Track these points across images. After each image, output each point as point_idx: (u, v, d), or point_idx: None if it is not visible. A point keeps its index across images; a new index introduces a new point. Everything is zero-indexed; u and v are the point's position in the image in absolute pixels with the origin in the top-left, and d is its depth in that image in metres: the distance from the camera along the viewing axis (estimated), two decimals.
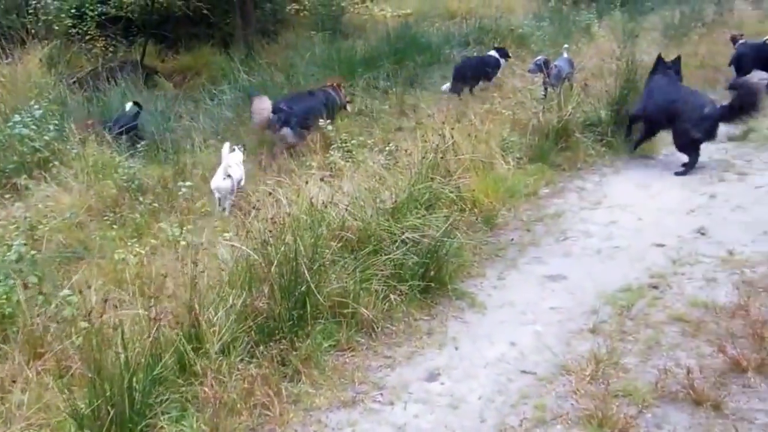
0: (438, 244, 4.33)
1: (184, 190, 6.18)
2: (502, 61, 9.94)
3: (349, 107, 8.59)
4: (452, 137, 5.87)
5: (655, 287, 4.29)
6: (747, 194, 5.67)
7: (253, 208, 4.41)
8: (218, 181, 6.18)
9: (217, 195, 6.27)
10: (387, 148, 6.48)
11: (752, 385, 3.19)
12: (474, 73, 9.50)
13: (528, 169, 6.46)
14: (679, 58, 7.42)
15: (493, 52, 10.07)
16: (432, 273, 4.29)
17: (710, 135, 6.38)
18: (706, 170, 6.32)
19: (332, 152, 6.69)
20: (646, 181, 6.26)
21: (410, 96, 9.79)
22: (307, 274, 3.76)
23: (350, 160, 6.46)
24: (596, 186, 6.24)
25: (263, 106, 7.43)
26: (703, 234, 5.02)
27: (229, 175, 6.20)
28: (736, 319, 3.74)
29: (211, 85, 10.93)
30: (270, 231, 3.96)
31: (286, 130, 7.46)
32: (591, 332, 3.82)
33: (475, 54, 11.00)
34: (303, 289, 3.77)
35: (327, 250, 4.16)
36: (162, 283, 3.98)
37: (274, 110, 7.41)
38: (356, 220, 4.57)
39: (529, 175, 6.32)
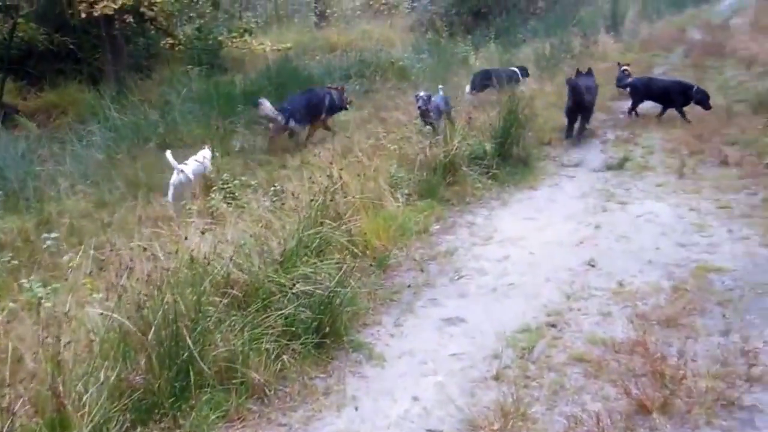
0: (331, 294, 4.10)
1: (48, 242, 5.62)
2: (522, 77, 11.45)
3: (349, 107, 9.89)
4: (340, 177, 5.68)
5: (553, 326, 4.25)
6: (629, 223, 5.83)
7: (125, 267, 3.99)
8: (173, 177, 6.79)
9: (171, 189, 6.80)
10: (272, 189, 6.22)
11: (658, 426, 3.15)
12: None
13: (418, 206, 6.37)
14: (590, 69, 9.58)
15: (515, 68, 11.54)
16: (326, 326, 4.03)
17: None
18: (589, 200, 6.48)
19: (214, 195, 6.34)
20: (533, 213, 6.32)
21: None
22: (188, 339, 3.41)
23: (233, 203, 6.14)
24: (486, 220, 6.24)
25: (266, 106, 8.87)
26: (593, 266, 5.08)
27: (182, 171, 6.79)
28: (636, 355, 3.73)
29: (79, 124, 10.26)
30: (145, 294, 3.58)
31: (292, 124, 9.00)
32: (494, 379, 3.69)
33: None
34: (185, 356, 3.41)
35: (212, 308, 3.83)
36: (19, 359, 3.49)
37: (280, 110, 8.90)
38: (243, 272, 4.27)
39: (420, 212, 6.23)
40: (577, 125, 8.62)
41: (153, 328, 3.43)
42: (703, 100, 8.92)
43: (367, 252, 5.30)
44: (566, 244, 5.54)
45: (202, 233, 4.77)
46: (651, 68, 13.53)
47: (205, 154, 7.35)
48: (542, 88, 11.35)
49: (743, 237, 5.37)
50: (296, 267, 4.37)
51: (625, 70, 10.96)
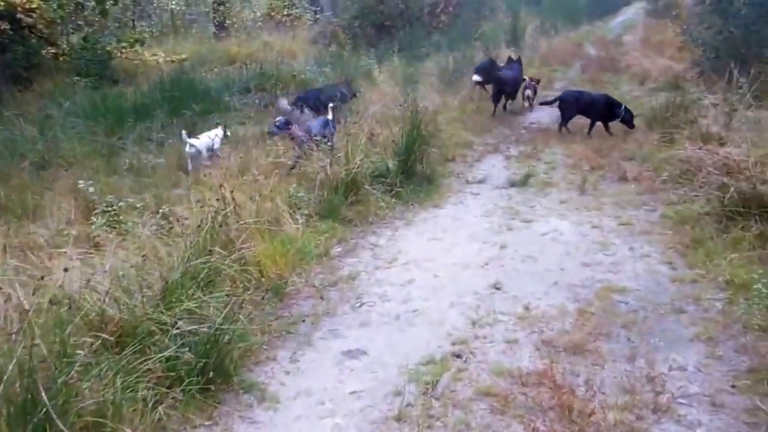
0: (218, 332, 3.74)
1: None
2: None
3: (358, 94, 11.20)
4: (233, 199, 5.33)
5: (458, 356, 4.06)
6: (534, 243, 5.76)
7: None
8: (186, 148, 7.92)
9: (188, 159, 7.94)
10: (160, 212, 5.78)
11: None
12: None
13: (319, 227, 6.10)
14: (519, 58, 11.91)
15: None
16: (213, 367, 3.67)
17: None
18: (494, 218, 6.39)
19: (95, 219, 5.83)
20: (438, 233, 6.17)
21: None
22: (44, 395, 2.97)
23: (116, 228, 5.66)
24: (390, 241, 6.03)
25: (282, 102, 10.13)
26: (498, 289, 4.95)
27: (192, 145, 7.91)
28: (543, 387, 3.59)
29: None
30: None
31: (306, 112, 9.69)
32: (396, 420, 3.45)
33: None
34: (42, 413, 2.98)
35: (81, 352, 3.40)
36: None
37: (294, 103, 9.99)
38: (119, 309, 3.85)
39: (320, 234, 5.96)
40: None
41: (2, 383, 2.97)
42: (629, 120, 9.12)
43: (263, 280, 4.97)
44: (471, 265, 5.40)
45: (77, 264, 4.30)
46: (551, 83, 13.84)
47: (217, 132, 8.44)
48: (445, 103, 11.33)
49: (644, 255, 5.40)
50: (180, 302, 3.99)
51: (533, 82, 11.13)
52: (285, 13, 23.89)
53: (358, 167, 6.78)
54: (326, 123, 8.12)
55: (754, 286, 4.34)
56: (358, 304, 4.84)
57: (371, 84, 13.30)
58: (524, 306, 4.65)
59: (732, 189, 5.55)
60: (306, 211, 6.23)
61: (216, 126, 8.74)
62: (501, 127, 10.10)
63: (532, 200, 6.83)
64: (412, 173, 7.31)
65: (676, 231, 5.76)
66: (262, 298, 4.69)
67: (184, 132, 8.13)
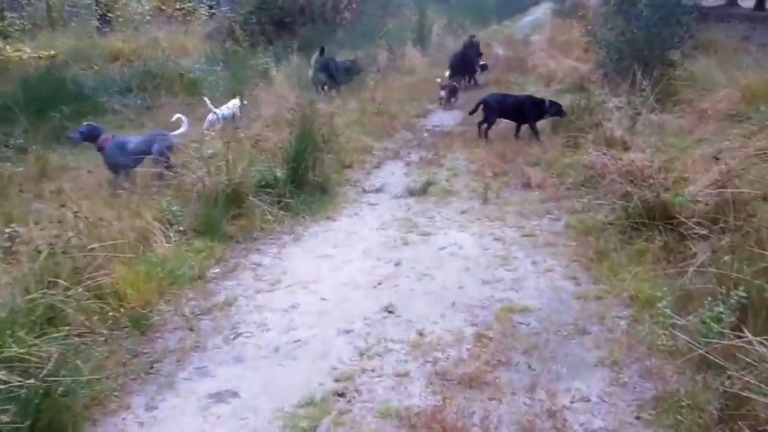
0: (50, 382, 3.25)
1: None
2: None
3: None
4: (86, 216, 4.80)
5: (342, 395, 3.71)
6: (432, 258, 5.50)
7: None
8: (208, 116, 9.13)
9: (206, 125, 8.92)
10: (6, 233, 5.16)
11: None
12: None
13: (194, 245, 5.63)
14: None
15: None
16: (44, 426, 3.18)
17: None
18: (390, 232, 6.10)
19: None
20: (329, 249, 5.82)
21: (56, 155, 8.43)
22: None
23: None
24: (275, 260, 5.62)
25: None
26: (391, 312, 4.63)
27: (215, 112, 9.17)
28: (433, 431, 3.29)
29: None
30: None
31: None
32: None
33: None
34: None
35: None
36: None
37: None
38: None
39: (196, 253, 5.50)
40: None
41: None
42: (558, 110, 9.03)
43: (123, 311, 4.47)
44: (363, 286, 5.08)
45: None
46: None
47: (235, 102, 9.74)
48: (345, 105, 11.04)
49: (547, 269, 5.22)
50: (8, 345, 3.46)
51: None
52: (177, 6, 23.06)
53: (241, 177, 6.35)
54: (165, 139, 7.21)
55: (659, 304, 4.21)
56: (232, 336, 4.42)
57: (267, 84, 12.85)
58: (418, 331, 4.36)
59: (636, 198, 5.46)
60: (181, 228, 5.75)
61: (234, 97, 10.08)
62: (403, 131, 9.88)
63: (432, 210, 6.59)
64: (304, 182, 6.94)
65: (581, 242, 5.63)
66: (122, 325, 4.20)
67: (206, 99, 9.40)
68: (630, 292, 4.68)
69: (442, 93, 11.98)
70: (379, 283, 5.10)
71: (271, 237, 6.11)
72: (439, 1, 33.50)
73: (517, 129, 9.19)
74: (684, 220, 5.23)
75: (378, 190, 7.26)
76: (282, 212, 6.49)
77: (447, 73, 13.06)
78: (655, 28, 9.97)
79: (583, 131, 8.15)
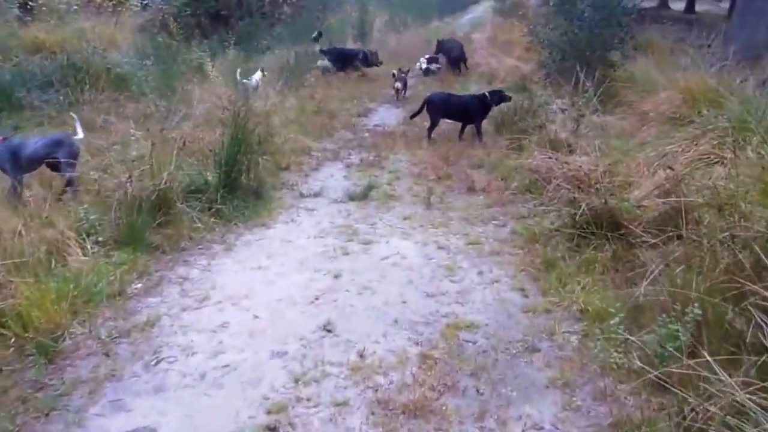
0: None
1: None
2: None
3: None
4: None
5: (274, 429, 3.36)
6: (373, 269, 5.16)
7: None
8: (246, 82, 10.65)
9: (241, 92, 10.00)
10: None
11: None
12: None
13: (115, 258, 5.16)
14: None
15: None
16: None
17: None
18: (329, 240, 5.75)
19: None
20: (264, 260, 5.42)
21: None
22: None
23: None
24: (204, 273, 5.20)
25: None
26: (329, 331, 4.29)
27: (244, 83, 10.62)
28: None
29: None
30: None
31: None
32: None
33: None
34: None
35: None
36: None
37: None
38: None
39: (116, 266, 5.03)
40: None
41: None
42: (503, 97, 8.81)
43: (28, 336, 4.00)
44: (299, 301, 4.71)
45: None
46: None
47: (257, 75, 11.32)
48: (283, 103, 10.59)
49: (494, 280, 4.96)
50: None
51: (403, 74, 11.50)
52: None
53: (168, 182, 5.89)
54: (54, 143, 6.32)
55: (611, 321, 3.97)
56: (153, 361, 4.00)
57: (202, 80, 12.30)
58: (358, 352, 4.03)
59: (583, 205, 5.24)
60: (100, 238, 5.28)
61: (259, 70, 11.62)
62: (343, 131, 9.51)
63: (373, 216, 6.26)
64: (237, 186, 6.50)
65: (527, 250, 5.39)
66: (22, 364, 3.74)
67: (239, 71, 10.86)
68: (579, 304, 4.46)
69: (398, 85, 11.96)
70: (317, 298, 4.75)
71: (200, 247, 5.67)
72: None
73: (462, 130, 8.93)
74: (632, 228, 5.05)
75: (316, 195, 6.88)
76: (213, 219, 6.06)
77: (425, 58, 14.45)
78: (597, 29, 9.87)
79: (526, 133, 7.95)
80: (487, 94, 8.81)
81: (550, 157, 6.37)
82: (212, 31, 17.43)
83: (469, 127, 8.86)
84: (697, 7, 31.00)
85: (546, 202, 6.00)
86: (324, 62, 13.98)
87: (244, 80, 10.79)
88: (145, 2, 22.25)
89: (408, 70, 12.36)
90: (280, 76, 12.41)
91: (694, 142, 6.08)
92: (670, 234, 4.93)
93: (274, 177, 7.31)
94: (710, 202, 5.01)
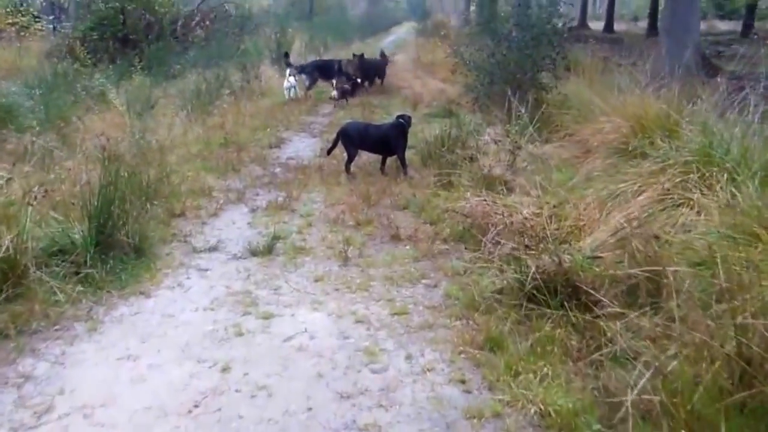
0: None
1: None
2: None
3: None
4: None
5: None
6: (273, 357, 3.94)
7: None
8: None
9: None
10: None
11: None
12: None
13: None
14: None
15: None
16: None
17: None
18: (221, 314, 4.49)
19: None
20: (135, 345, 4.13)
21: None
22: None
23: None
24: (54, 368, 3.87)
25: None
26: None
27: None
28: None
29: None
30: None
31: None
32: None
33: None
34: None
35: None
36: None
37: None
38: None
39: None
40: None
41: None
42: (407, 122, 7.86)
43: None
44: (173, 410, 3.45)
45: None
46: (316, 107, 12.36)
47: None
48: (186, 134, 9.29)
49: (426, 367, 3.81)
50: None
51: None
52: (9, 21, 20.25)
53: (18, 242, 4.55)
54: None
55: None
56: None
57: (105, 108, 10.88)
58: None
59: (532, 267, 4.17)
60: None
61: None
62: (252, 165, 8.25)
63: (278, 278, 5.03)
64: (113, 243, 5.19)
65: (466, 322, 4.27)
66: None
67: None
68: (538, 405, 3.35)
69: (334, 93, 12.57)
70: (196, 406, 3.50)
71: (57, 327, 4.34)
72: (301, 19, 32.17)
73: (383, 162, 7.83)
74: (591, 291, 4.02)
75: (212, 249, 5.60)
76: (79, 287, 4.72)
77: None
78: (527, 50, 8.95)
79: (456, 166, 6.91)
80: (402, 119, 7.75)
81: (485, 200, 5.32)
82: (122, 56, 15.92)
83: (392, 159, 7.78)
84: (615, 27, 31.13)
85: (485, 255, 4.91)
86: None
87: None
88: (51, 26, 20.51)
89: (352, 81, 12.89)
90: (186, 103, 11.11)
91: (652, 179, 5.12)
92: (637, 298, 3.98)
93: (164, 227, 6.00)
94: (688, 259, 4.06)
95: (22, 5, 20.46)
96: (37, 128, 8.90)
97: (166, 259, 5.42)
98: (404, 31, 39.49)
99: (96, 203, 5.15)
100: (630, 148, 5.87)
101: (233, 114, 10.82)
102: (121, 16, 16.70)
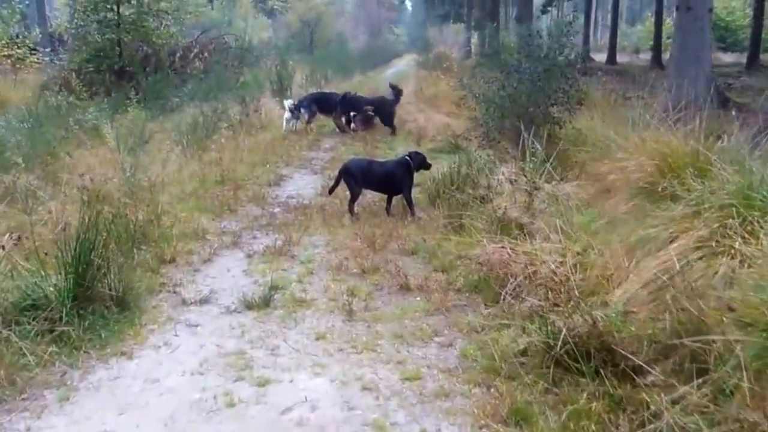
0: None
1: None
2: None
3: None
4: None
5: None
6: None
7: None
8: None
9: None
10: None
11: None
12: None
13: None
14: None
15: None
16: None
17: None
18: (209, 380, 4.00)
19: None
20: (112, 418, 3.65)
21: None
22: None
23: None
24: None
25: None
26: None
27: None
28: None
29: None
30: None
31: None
32: None
33: None
34: None
35: None
36: None
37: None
38: None
39: None
40: None
41: None
42: (424, 164, 7.46)
43: None
44: None
45: None
46: (317, 142, 11.98)
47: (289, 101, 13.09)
48: (180, 170, 8.88)
49: None
50: None
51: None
52: (5, 53, 20.02)
53: None
54: None
55: None
56: None
57: (99, 144, 10.50)
58: None
59: (563, 329, 3.71)
60: None
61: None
62: (249, 205, 7.81)
63: (275, 335, 4.55)
64: (93, 296, 4.73)
65: (486, 389, 3.80)
66: None
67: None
68: None
69: (355, 124, 12.84)
70: None
71: (24, 396, 3.86)
72: (302, 51, 32.08)
73: (388, 202, 7.39)
74: (630, 356, 3.56)
75: (204, 301, 5.13)
76: (53, 348, 4.25)
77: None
78: (540, 82, 8.57)
79: (467, 207, 6.47)
80: (409, 157, 7.34)
81: (503, 246, 4.87)
82: (118, 89, 15.61)
83: (398, 198, 7.35)
84: (617, 59, 30.97)
85: (504, 309, 4.45)
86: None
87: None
88: (45, 59, 20.25)
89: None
90: (182, 138, 10.72)
91: (685, 224, 4.66)
92: (679, 362, 3.52)
93: (152, 275, 5.54)
94: (735, 317, 3.60)
95: (17, 37, 20.21)
96: (23, 165, 8.53)
97: (152, 312, 4.95)
98: (405, 63, 39.41)
99: (74, 251, 4.70)
100: (658, 189, 5.42)
101: (231, 149, 10.41)
102: (118, 48, 16.41)
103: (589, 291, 4.43)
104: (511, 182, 6.01)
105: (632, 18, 58.28)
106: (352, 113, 13.16)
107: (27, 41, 20.48)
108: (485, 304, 4.78)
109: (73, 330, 4.40)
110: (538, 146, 6.62)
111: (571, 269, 4.51)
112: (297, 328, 4.64)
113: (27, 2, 27.30)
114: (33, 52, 20.82)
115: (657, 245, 4.63)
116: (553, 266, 4.40)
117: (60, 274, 4.67)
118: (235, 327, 4.69)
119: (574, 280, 4.37)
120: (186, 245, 6.27)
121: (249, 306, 4.97)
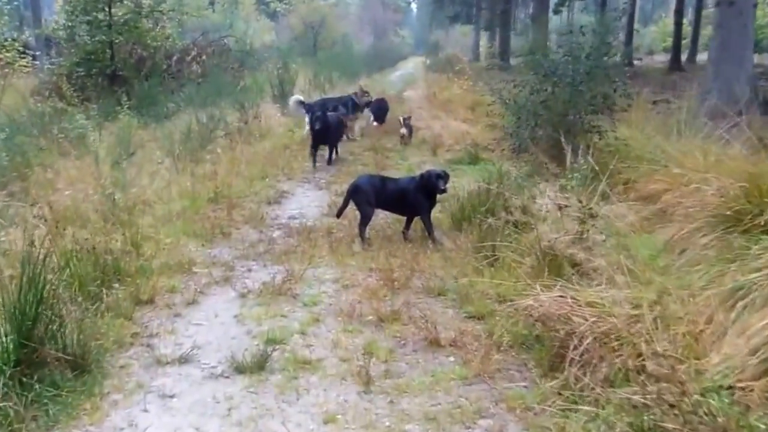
0: None
1: None
2: None
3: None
4: None
5: None
6: None
7: None
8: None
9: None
10: None
11: None
12: None
13: None
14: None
15: None
16: None
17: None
18: None
19: None
20: None
21: None
22: None
23: None
24: None
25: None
26: None
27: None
28: None
29: None
30: None
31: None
32: None
33: None
34: None
35: None
36: None
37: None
38: None
39: None
40: None
41: None
42: (438, 186, 6.20)
43: None
44: None
45: None
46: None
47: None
48: (169, 186, 7.90)
49: None
50: None
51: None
52: None
53: None
54: None
55: None
56: None
57: (85, 152, 9.55)
58: None
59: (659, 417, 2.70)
60: None
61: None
62: (246, 227, 6.81)
63: (272, 413, 3.53)
64: (41, 360, 3.75)
65: None
66: None
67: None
68: None
69: (403, 131, 11.35)
70: None
71: None
72: (305, 54, 31.11)
73: (407, 225, 6.38)
74: None
75: (183, 360, 4.11)
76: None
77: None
78: (581, 86, 7.53)
79: (499, 233, 5.46)
80: (428, 174, 6.30)
81: (562, 296, 3.85)
82: (110, 93, 14.67)
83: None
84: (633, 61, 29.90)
85: (571, 381, 3.43)
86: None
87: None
88: (35, 63, 19.33)
89: (410, 117, 11.84)
90: (173, 148, 9.75)
91: None
92: None
93: (124, 322, 4.53)
94: None
95: (6, 40, 19.28)
96: None
97: (118, 375, 3.95)
98: (411, 65, 38.47)
99: (19, 302, 3.71)
100: (747, 218, 4.40)
101: (227, 160, 9.44)
102: (109, 51, 15.45)
103: (676, 356, 3.42)
104: (560, 207, 4.98)
105: (644, 19, 57.13)
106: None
107: (16, 44, 19.53)
108: (539, 370, 3.76)
109: (13, 405, 3.40)
110: (582, 159, 5.62)
111: (650, 327, 3.50)
112: (299, 404, 3.61)
113: (16, 3, 26.34)
114: (23, 55, 19.87)
115: (762, 294, 3.62)
116: (624, 318, 3.39)
117: (5, 326, 3.68)
118: (220, 400, 3.67)
119: (657, 342, 3.37)
120: (168, 281, 5.27)
121: (239, 369, 3.94)
